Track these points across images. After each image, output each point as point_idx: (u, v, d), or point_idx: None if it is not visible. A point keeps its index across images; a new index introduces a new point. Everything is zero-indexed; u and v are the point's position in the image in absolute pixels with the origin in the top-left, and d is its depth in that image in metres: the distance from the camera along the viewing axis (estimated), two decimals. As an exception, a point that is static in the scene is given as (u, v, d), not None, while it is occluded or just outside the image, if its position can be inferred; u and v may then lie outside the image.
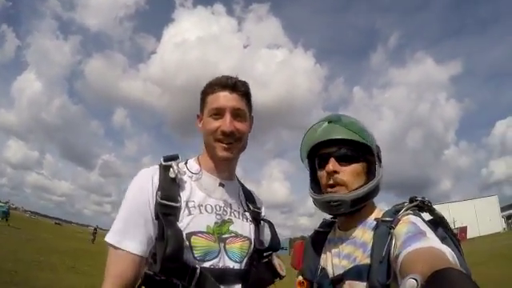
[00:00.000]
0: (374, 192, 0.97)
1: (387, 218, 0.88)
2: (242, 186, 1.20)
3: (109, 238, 0.93)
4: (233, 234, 1.01)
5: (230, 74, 1.07)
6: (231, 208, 1.06)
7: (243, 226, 1.05)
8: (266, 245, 1.09)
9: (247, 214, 1.11)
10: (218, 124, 1.01)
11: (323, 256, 1.05)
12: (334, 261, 0.98)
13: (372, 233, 0.89)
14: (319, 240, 1.10)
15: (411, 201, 0.92)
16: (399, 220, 0.85)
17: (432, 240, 0.75)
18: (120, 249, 0.91)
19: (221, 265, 0.95)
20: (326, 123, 1.02)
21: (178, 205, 0.94)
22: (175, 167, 0.98)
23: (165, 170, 0.99)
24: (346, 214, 0.99)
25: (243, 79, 1.08)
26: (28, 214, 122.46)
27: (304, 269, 1.07)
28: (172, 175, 0.97)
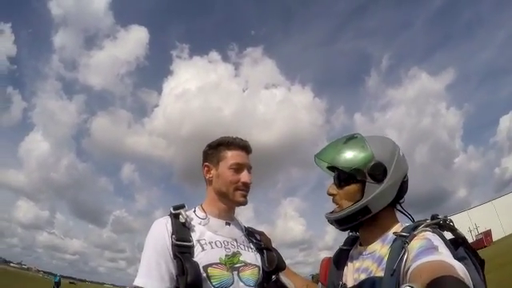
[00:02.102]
0: (365, 210, 1.00)
1: (404, 233, 0.90)
2: (242, 224, 1.42)
3: (137, 282, 1.08)
4: (243, 264, 1.20)
5: (238, 136, 1.34)
6: (237, 242, 1.26)
7: (250, 256, 1.25)
8: (273, 267, 1.27)
9: (252, 245, 1.32)
10: (239, 177, 1.26)
11: (345, 272, 1.10)
12: (354, 276, 1.02)
13: (389, 247, 0.92)
14: (342, 256, 1.15)
15: (432, 218, 0.95)
16: (415, 235, 0.87)
17: (444, 255, 0.76)
18: None
19: None
20: (338, 146, 1.10)
21: (191, 244, 1.13)
22: (184, 214, 1.18)
23: (175, 217, 1.19)
24: (350, 229, 1.10)
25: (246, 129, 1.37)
26: (41, 274, 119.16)
27: (328, 285, 1.14)
28: (182, 220, 1.17)
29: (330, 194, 1.08)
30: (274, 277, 1.27)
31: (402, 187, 1.04)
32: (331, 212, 1.09)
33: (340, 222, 1.05)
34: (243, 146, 1.31)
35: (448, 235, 0.92)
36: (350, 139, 1.08)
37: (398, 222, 1.04)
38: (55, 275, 33.24)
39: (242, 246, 1.26)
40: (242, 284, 1.15)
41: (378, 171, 0.99)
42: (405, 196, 1.07)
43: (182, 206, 1.23)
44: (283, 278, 1.28)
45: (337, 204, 1.06)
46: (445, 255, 0.76)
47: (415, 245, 0.82)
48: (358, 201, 1.00)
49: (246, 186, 1.27)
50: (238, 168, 1.26)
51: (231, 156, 1.27)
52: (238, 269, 1.17)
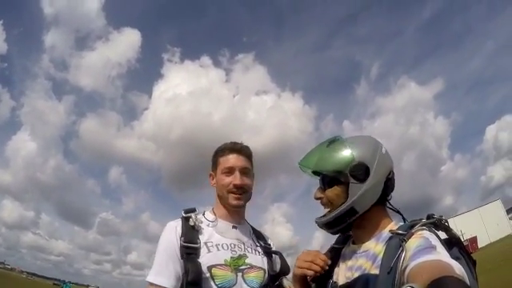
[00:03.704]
0: (351, 211, 1.00)
1: (401, 231, 0.90)
2: (252, 227, 1.48)
3: (149, 278, 1.18)
4: (248, 266, 1.26)
5: (236, 141, 1.43)
6: (244, 245, 1.33)
7: (256, 259, 1.31)
8: (278, 271, 1.33)
9: (259, 248, 1.38)
10: (230, 179, 1.32)
11: (336, 270, 1.09)
12: (346, 274, 1.02)
13: (384, 245, 0.92)
14: (334, 255, 1.14)
15: (428, 217, 0.95)
16: (412, 234, 0.87)
17: (441, 254, 0.76)
18: (155, 284, 1.16)
19: None
20: (320, 150, 1.11)
21: (197, 245, 1.21)
22: (194, 217, 1.27)
23: (186, 220, 1.28)
24: (341, 231, 1.11)
25: (245, 143, 1.42)
26: (25, 275, 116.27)
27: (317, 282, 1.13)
28: (191, 223, 1.26)
29: (316, 198, 1.10)
30: (278, 281, 1.31)
31: (388, 184, 1.04)
32: (321, 216, 1.10)
33: (329, 226, 1.07)
34: (235, 149, 1.38)
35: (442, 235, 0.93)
36: (332, 142, 1.09)
37: (391, 220, 1.05)
38: (65, 283, 31.62)
39: (249, 249, 1.32)
40: (245, 285, 1.22)
41: (359, 171, 0.99)
42: (391, 193, 1.07)
43: (193, 210, 1.32)
44: (286, 282, 1.31)
45: (326, 206, 1.08)
46: (443, 255, 0.76)
47: (413, 243, 0.82)
48: (343, 203, 1.01)
49: (237, 188, 1.31)
50: (229, 172, 1.34)
51: (223, 161, 1.37)
52: (242, 270, 1.24)
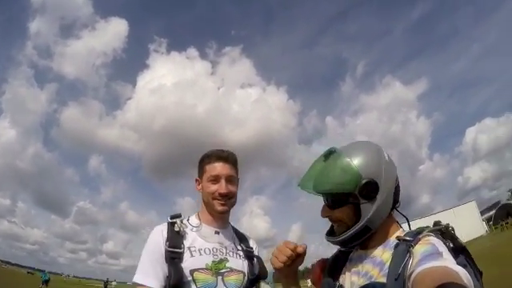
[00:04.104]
0: (365, 230, 0.96)
1: (408, 238, 0.87)
2: (236, 231, 1.52)
3: (136, 279, 1.23)
4: (228, 269, 1.31)
5: (222, 148, 1.45)
6: (226, 249, 1.37)
7: (237, 263, 1.36)
8: (256, 274, 1.39)
9: (240, 252, 1.42)
10: (216, 187, 1.36)
11: (342, 274, 1.07)
12: (352, 279, 1.00)
13: (391, 252, 0.89)
14: (341, 259, 1.11)
15: (435, 224, 0.93)
16: (419, 240, 0.85)
17: (448, 261, 0.75)
18: (143, 285, 1.20)
19: None
20: (319, 166, 1.03)
21: (181, 250, 1.26)
22: (179, 223, 1.32)
23: (171, 225, 1.32)
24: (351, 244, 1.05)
25: (232, 150, 1.46)
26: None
27: (322, 284, 1.10)
28: (177, 229, 1.31)
29: (324, 217, 1.04)
30: (255, 284, 1.38)
31: (396, 191, 1.00)
32: (331, 231, 1.06)
33: (343, 244, 1.03)
34: (221, 158, 1.40)
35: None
36: (329, 155, 1.01)
37: (398, 226, 1.02)
38: (44, 272, 30.42)
39: (230, 253, 1.37)
40: None
41: (369, 190, 0.94)
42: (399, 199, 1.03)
43: (178, 216, 1.37)
44: (263, 286, 1.39)
45: (335, 223, 1.02)
46: (449, 261, 0.75)
47: (420, 249, 0.81)
48: (355, 222, 0.96)
49: (222, 196, 1.36)
50: (215, 180, 1.37)
51: (209, 169, 1.39)
52: (222, 274, 1.29)
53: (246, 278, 1.35)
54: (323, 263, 1.18)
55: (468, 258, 0.87)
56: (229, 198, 1.38)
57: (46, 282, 27.05)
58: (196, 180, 1.46)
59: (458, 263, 0.79)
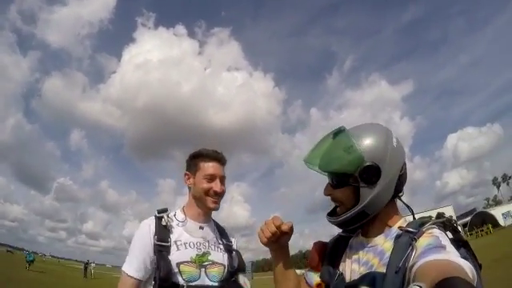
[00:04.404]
0: (362, 214, 0.95)
1: (411, 229, 0.86)
2: (217, 225, 1.65)
3: (124, 268, 1.39)
4: (211, 262, 1.45)
5: (216, 149, 1.58)
6: (209, 243, 1.50)
7: (218, 256, 1.50)
8: (236, 267, 1.54)
9: (221, 246, 1.55)
10: (211, 185, 1.49)
11: (343, 261, 1.05)
12: (352, 266, 0.99)
13: (393, 242, 0.88)
14: (341, 244, 1.10)
15: (438, 216, 0.91)
16: (423, 232, 0.83)
17: (452, 253, 0.74)
18: (135, 278, 1.37)
19: (202, 284, 1.39)
20: (326, 143, 1.03)
21: (168, 244, 1.39)
22: (166, 218, 1.45)
23: (159, 219, 1.45)
24: (353, 230, 1.06)
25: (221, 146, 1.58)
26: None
27: (323, 271, 1.08)
28: (164, 223, 1.43)
29: (326, 195, 1.04)
30: (234, 277, 1.52)
31: (400, 180, 0.97)
32: (333, 211, 1.05)
33: (340, 226, 1.04)
34: (217, 158, 1.55)
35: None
36: (337, 134, 1.01)
37: (400, 215, 1.00)
38: (28, 252, 29.64)
39: (212, 247, 1.50)
40: (207, 279, 1.41)
41: (370, 174, 0.92)
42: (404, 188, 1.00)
43: (165, 210, 1.49)
44: (241, 278, 1.53)
45: (335, 203, 1.02)
46: (452, 254, 0.74)
47: (423, 242, 0.80)
48: (354, 205, 0.95)
49: (216, 194, 1.50)
50: (211, 178, 1.50)
51: (206, 167, 1.51)
52: (205, 266, 1.43)
53: (226, 270, 1.47)
54: (321, 247, 1.16)
55: (469, 252, 0.85)
56: (220, 196, 1.53)
57: (31, 262, 26.52)
58: (186, 174, 1.57)
59: (461, 255, 0.78)
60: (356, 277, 0.93)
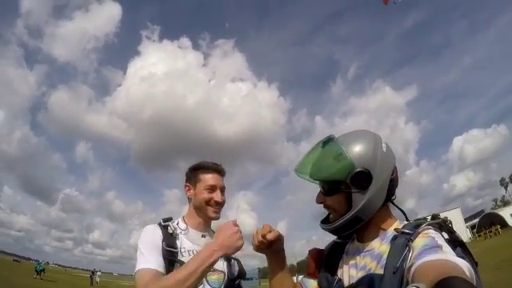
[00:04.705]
0: (356, 220, 0.96)
1: (407, 231, 0.87)
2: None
3: (141, 266, 1.29)
4: (211, 269, 1.38)
5: (215, 161, 1.61)
6: None
7: (218, 263, 1.42)
8: (236, 274, 1.53)
9: None
10: (212, 196, 1.53)
11: (340, 267, 1.06)
12: (350, 272, 0.99)
13: (389, 245, 0.89)
14: (337, 251, 1.11)
15: (433, 218, 0.94)
16: (419, 233, 0.85)
17: (448, 253, 0.75)
18: (151, 268, 1.28)
19: None
20: (316, 152, 1.05)
21: (176, 250, 1.40)
22: (172, 226, 1.47)
23: (164, 228, 1.45)
24: (347, 236, 1.07)
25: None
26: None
27: (320, 278, 1.08)
28: (170, 231, 1.45)
29: (319, 203, 1.05)
30: (236, 283, 1.52)
31: (392, 183, 0.98)
32: (326, 219, 1.06)
33: (335, 232, 1.05)
34: (217, 170, 1.59)
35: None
36: (327, 142, 1.02)
37: (395, 218, 1.02)
38: (39, 262, 28.74)
39: None
40: (207, 286, 1.41)
41: (361, 179, 0.93)
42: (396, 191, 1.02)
43: (170, 219, 1.52)
44: (244, 285, 1.55)
45: (328, 210, 1.04)
46: (449, 254, 0.75)
47: (419, 243, 0.81)
48: (346, 211, 0.96)
49: (217, 204, 1.54)
50: (212, 189, 1.54)
51: (206, 179, 1.56)
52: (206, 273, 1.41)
53: (225, 277, 1.48)
54: (317, 254, 1.17)
55: (465, 251, 0.86)
56: (221, 206, 1.56)
57: (41, 271, 25.86)
58: (186, 186, 1.61)
59: (457, 255, 0.79)
60: (354, 282, 0.94)
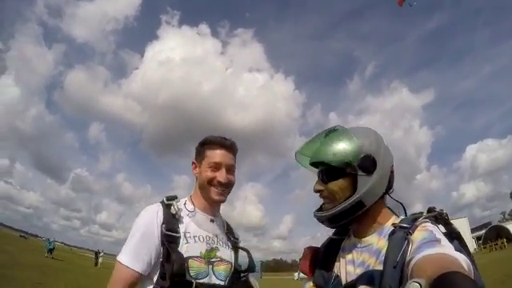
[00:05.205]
0: (359, 205, 0.95)
1: (404, 225, 0.87)
2: (225, 221, 1.50)
3: (122, 259, 1.19)
4: (219, 259, 1.32)
5: (225, 136, 1.41)
6: (218, 238, 1.36)
7: (226, 253, 1.36)
8: (243, 267, 1.39)
9: (229, 243, 1.42)
10: (215, 174, 1.33)
11: (337, 263, 1.04)
12: (348, 268, 0.98)
13: (387, 239, 0.88)
14: (333, 247, 1.10)
15: (429, 211, 0.93)
16: (417, 227, 0.85)
17: (447, 247, 0.75)
18: (130, 268, 1.17)
19: (210, 282, 1.25)
20: (320, 140, 1.05)
21: (178, 235, 1.23)
22: (175, 205, 1.28)
23: (167, 207, 1.28)
24: (343, 226, 1.04)
25: (233, 139, 1.42)
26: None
27: (316, 276, 1.07)
28: (173, 212, 1.27)
29: (316, 191, 1.03)
30: (242, 276, 1.39)
31: (391, 176, 1.01)
32: (319, 209, 1.04)
33: (332, 220, 1.00)
34: (224, 145, 1.37)
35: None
36: (331, 132, 1.03)
37: (391, 213, 1.02)
38: (49, 241, 28.15)
39: (220, 243, 1.36)
40: (214, 277, 1.27)
41: (368, 163, 0.95)
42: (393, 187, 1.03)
43: (174, 198, 1.33)
44: (252, 279, 1.41)
45: (326, 199, 1.01)
46: (448, 248, 0.75)
47: (418, 236, 0.81)
48: (349, 195, 0.96)
49: (220, 185, 1.33)
50: (216, 167, 1.34)
51: (210, 154, 1.36)
52: (213, 263, 1.29)
53: (232, 268, 1.35)
54: (312, 252, 1.15)
55: (462, 244, 0.86)
56: (226, 187, 1.36)
57: (51, 250, 25.96)
58: (193, 163, 1.43)
59: (455, 248, 0.79)
60: (353, 278, 0.93)
